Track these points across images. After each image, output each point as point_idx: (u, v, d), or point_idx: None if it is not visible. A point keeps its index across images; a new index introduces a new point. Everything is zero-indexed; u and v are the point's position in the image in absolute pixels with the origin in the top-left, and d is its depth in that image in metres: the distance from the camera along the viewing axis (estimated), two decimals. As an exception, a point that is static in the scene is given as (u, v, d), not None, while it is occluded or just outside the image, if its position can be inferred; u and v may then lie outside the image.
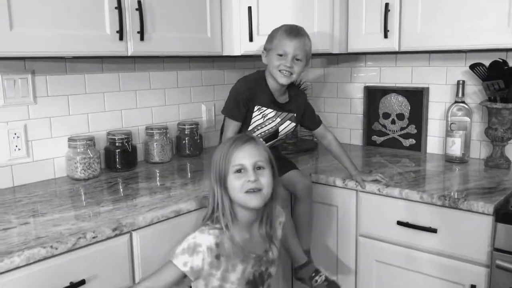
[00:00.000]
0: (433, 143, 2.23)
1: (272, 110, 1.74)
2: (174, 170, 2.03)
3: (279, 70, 1.66)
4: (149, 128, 2.11)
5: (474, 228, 1.53)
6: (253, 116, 1.74)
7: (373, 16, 2.00)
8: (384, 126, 2.36)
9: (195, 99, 2.39)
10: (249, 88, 1.72)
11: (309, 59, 1.74)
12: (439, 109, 2.19)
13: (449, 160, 2.04)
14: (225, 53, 2.06)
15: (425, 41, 1.88)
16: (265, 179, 1.31)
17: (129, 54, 1.71)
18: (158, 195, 1.63)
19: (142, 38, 1.72)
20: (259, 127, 1.76)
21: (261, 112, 1.74)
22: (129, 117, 2.11)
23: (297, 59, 1.66)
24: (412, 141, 2.28)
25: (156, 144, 2.09)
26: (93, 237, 1.29)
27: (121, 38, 1.66)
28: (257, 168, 1.31)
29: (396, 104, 2.30)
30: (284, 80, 1.67)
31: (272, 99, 1.74)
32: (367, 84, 2.40)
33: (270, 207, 1.38)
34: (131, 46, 1.71)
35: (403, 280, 1.72)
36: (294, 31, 1.66)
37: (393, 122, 2.32)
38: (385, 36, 1.96)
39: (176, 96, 2.30)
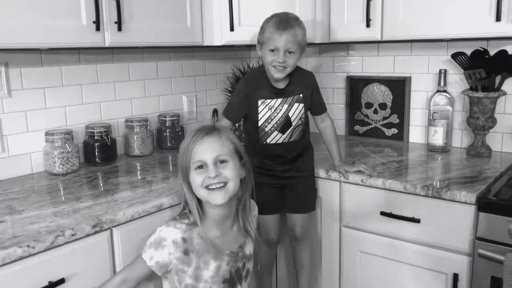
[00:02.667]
0: (416, 133, 2.23)
1: (276, 99, 1.69)
2: (155, 163, 2.00)
3: (273, 66, 1.62)
4: (129, 120, 2.07)
5: (456, 218, 1.53)
6: (259, 111, 1.70)
7: (356, 4, 1.98)
8: (366, 116, 2.35)
9: (176, 90, 2.35)
10: (247, 84, 1.70)
11: (305, 47, 1.68)
12: (421, 99, 2.19)
13: (432, 149, 2.05)
14: (206, 43, 2.02)
15: (407, 30, 1.87)
16: (229, 172, 1.27)
17: (106, 45, 1.66)
18: (139, 189, 1.60)
19: (119, 29, 1.67)
20: (269, 120, 1.70)
21: (266, 105, 1.69)
22: (108, 109, 2.07)
23: (290, 52, 1.61)
24: (394, 130, 2.28)
25: (136, 137, 2.05)
26: (72, 235, 1.25)
27: (97, 29, 1.61)
28: (219, 162, 1.27)
29: (379, 93, 2.30)
30: (278, 75, 1.63)
31: (272, 89, 1.69)
32: (350, 74, 2.39)
33: (243, 200, 1.36)
34: (109, 37, 1.66)
35: (387, 270, 1.72)
36: (284, 23, 1.59)
37: (375, 111, 2.32)
38: (367, 25, 1.95)
39: (156, 88, 2.26)
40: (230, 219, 1.36)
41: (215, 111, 2.43)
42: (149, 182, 1.70)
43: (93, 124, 1.96)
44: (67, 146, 1.80)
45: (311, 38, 2.04)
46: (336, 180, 1.79)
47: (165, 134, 2.19)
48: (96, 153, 1.91)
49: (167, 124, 2.19)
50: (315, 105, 1.77)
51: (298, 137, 1.75)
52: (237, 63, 2.58)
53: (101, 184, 1.68)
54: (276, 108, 1.69)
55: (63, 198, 1.54)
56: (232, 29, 1.94)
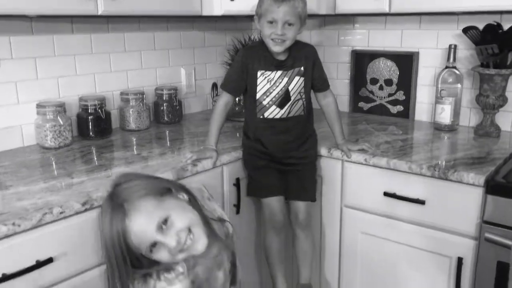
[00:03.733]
0: (422, 110, 2.15)
1: (276, 71, 1.61)
2: (152, 138, 1.93)
3: (271, 39, 1.54)
4: (125, 93, 1.99)
5: (463, 200, 1.47)
6: (258, 83, 1.63)
7: (363, -26, 1.88)
8: (371, 92, 2.27)
9: (173, 63, 2.26)
10: (246, 55, 1.63)
11: (305, 19, 1.59)
12: (429, 75, 2.11)
13: (438, 128, 1.98)
14: (205, 13, 1.93)
15: (417, 2, 1.77)
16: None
17: (99, 13, 1.57)
18: (134, 165, 1.54)
19: (112, -5, 1.58)
20: (267, 93, 1.63)
21: (265, 77, 1.62)
22: (103, 81, 1.99)
23: (289, 24, 1.53)
24: (400, 108, 2.20)
25: (132, 111, 1.98)
26: (61, 213, 1.19)
27: (89, -5, 1.52)
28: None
29: (385, 69, 2.21)
30: (277, 49, 1.55)
31: (273, 60, 1.61)
32: (355, 48, 2.30)
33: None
34: (101, 5, 1.57)
35: (388, 252, 1.67)
36: None
37: (381, 88, 2.24)
38: (375, -4, 1.85)
39: (153, 59, 2.17)
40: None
41: (214, 85, 2.35)
42: (145, 158, 1.63)
43: (87, 96, 1.89)
44: (60, 119, 1.72)
45: (315, 10, 1.95)
46: (338, 159, 1.72)
47: (162, 108, 2.12)
48: (90, 127, 1.84)
49: (164, 98, 2.11)
50: (317, 80, 1.69)
51: (297, 113, 1.68)
52: (238, 35, 2.48)
53: (95, 159, 1.62)
54: (276, 81, 1.62)
55: (54, 173, 1.48)
56: (232, -2, 1.85)
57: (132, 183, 1.12)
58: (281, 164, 1.69)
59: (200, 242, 1.14)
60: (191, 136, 1.97)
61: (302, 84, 1.65)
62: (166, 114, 2.12)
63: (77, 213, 1.23)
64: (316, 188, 1.74)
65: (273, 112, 1.64)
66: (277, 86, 1.62)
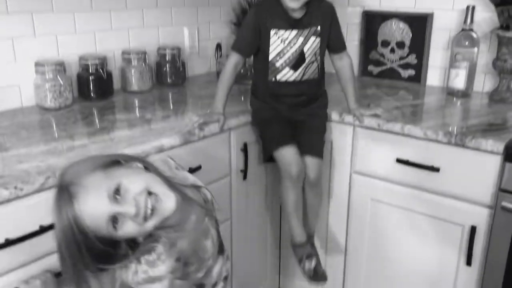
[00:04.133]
0: (434, 75, 2.08)
1: (291, 30, 1.52)
2: (155, 100, 1.86)
3: None
4: (126, 52, 1.90)
5: (480, 168, 1.42)
6: (271, 43, 1.54)
7: None
8: (382, 55, 2.19)
9: (176, 22, 2.16)
10: (258, 12, 1.53)
11: None
12: (443, 38, 2.02)
13: (451, 93, 1.91)
14: (211, -32, 1.82)
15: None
16: None
17: (100, -35, 1.48)
18: (138, 128, 1.48)
19: None
20: (281, 54, 1.55)
21: (279, 37, 1.53)
22: (103, 40, 1.89)
23: None
24: (411, 72, 2.12)
25: (134, 71, 1.89)
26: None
27: None
28: None
29: (397, 31, 2.12)
30: (293, 4, 1.44)
31: (288, 18, 1.51)
32: (366, 9, 2.20)
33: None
34: (102, -45, 1.47)
35: (398, 219, 1.64)
36: None
37: (392, 51, 2.15)
38: (392, -48, 1.75)
39: (155, 17, 2.07)
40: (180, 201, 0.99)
41: (218, 46, 2.26)
42: (148, 120, 1.57)
43: (87, 55, 1.80)
44: (59, 79, 1.65)
45: (328, -34, 1.84)
46: (350, 124, 1.66)
47: (164, 69, 2.03)
48: (91, 87, 1.76)
49: (167, 58, 2.03)
50: (334, 40, 1.60)
51: (311, 76, 1.61)
52: (244, -6, 2.37)
53: (97, 121, 1.56)
54: (291, 41, 1.53)
55: (55, 135, 1.42)
56: (240, -48, 1.74)
57: (75, 165, 0.95)
58: (290, 119, 1.63)
59: (168, 200, 0.93)
60: (195, 98, 1.90)
61: (318, 45, 1.57)
62: (169, 75, 2.04)
63: (81, 177, 1.18)
64: (323, 147, 1.66)
65: (286, 75, 1.57)
66: (292, 47, 1.54)
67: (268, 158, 1.64)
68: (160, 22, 2.09)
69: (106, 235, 0.89)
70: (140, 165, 0.97)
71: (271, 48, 1.54)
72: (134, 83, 1.90)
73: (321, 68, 1.62)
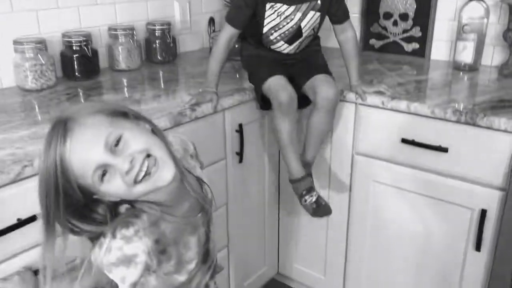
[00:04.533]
0: (439, 48, 1.97)
1: (288, 5, 1.42)
2: (144, 79, 1.75)
3: None
4: (113, 28, 1.78)
5: (491, 148, 1.33)
6: (265, 16, 1.43)
7: None
8: (384, 28, 2.07)
9: (166, -6, 2.04)
10: None
11: None
12: (449, 8, 1.90)
13: (458, 67, 1.80)
14: None
15: None
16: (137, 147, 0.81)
17: None
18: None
19: None
20: (276, 28, 1.45)
21: (275, 10, 1.42)
22: (88, 15, 1.77)
23: None
24: (415, 45, 2.01)
25: (121, 48, 1.78)
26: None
27: None
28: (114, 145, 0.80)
29: (400, 2, 2.00)
30: None
31: None
32: (367, -22, 2.07)
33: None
34: None
35: (403, 202, 1.55)
36: None
37: (395, 23, 2.04)
38: None
39: (144, -10, 1.94)
40: (178, 182, 0.89)
41: (211, 20, 2.15)
42: (137, 101, 1.47)
43: (70, 32, 1.68)
44: (40, 58, 1.54)
45: None
46: (352, 102, 1.56)
47: (154, 45, 1.92)
48: (76, 66, 1.65)
49: (156, 34, 1.91)
50: (336, 10, 1.49)
51: (306, 45, 1.53)
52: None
53: (82, 102, 1.45)
54: (287, 16, 1.43)
55: (37, 118, 1.32)
56: None
57: (80, 104, 0.80)
58: (284, 60, 1.55)
59: (165, 169, 0.81)
60: (187, 77, 1.79)
61: (318, 20, 1.47)
62: (159, 53, 1.93)
63: (61, 165, 1.08)
64: (331, 73, 1.54)
65: (280, 47, 1.50)
66: (288, 22, 1.44)
67: (263, 104, 1.53)
68: (148, -5, 1.97)
69: (89, 186, 0.79)
70: (148, 126, 0.87)
71: (265, 21, 1.45)
72: (122, 61, 1.79)
73: (316, 36, 1.56)
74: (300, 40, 1.49)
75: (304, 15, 1.44)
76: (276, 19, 1.43)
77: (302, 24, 1.46)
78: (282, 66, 1.53)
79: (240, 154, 1.59)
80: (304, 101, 1.54)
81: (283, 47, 1.50)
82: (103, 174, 0.78)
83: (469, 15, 1.74)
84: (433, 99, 1.47)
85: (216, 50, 1.47)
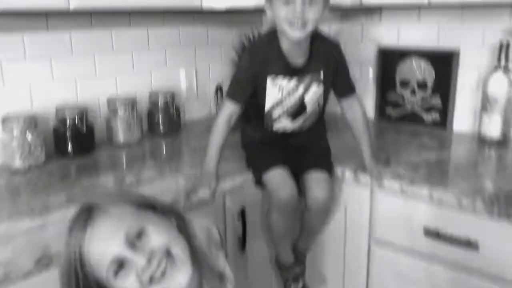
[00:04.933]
0: (462, 120, 1.82)
1: (289, 79, 1.32)
2: (145, 154, 1.65)
3: (288, 22, 1.23)
4: (112, 101, 1.69)
5: (530, 245, 1.15)
6: (267, 92, 1.33)
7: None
8: (401, 96, 1.94)
9: (171, 63, 1.95)
10: (254, 57, 1.33)
11: (328, 1, 1.28)
12: (472, 77, 1.77)
13: (484, 142, 1.65)
14: (205, 7, 1.61)
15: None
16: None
17: (71, 9, 1.27)
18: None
19: (88, -14, 1.28)
20: (278, 105, 1.35)
21: (277, 85, 1.33)
22: (86, 87, 1.69)
23: (310, 2, 1.21)
24: (435, 116, 1.87)
25: (120, 122, 1.68)
26: (5, 275, 0.90)
27: (57, -15, 1.22)
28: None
29: (418, 70, 1.87)
30: (297, 34, 1.23)
31: (287, 64, 1.31)
32: (382, 45, 1.96)
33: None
34: (74, -3, 1.27)
35: (428, 300, 1.36)
36: None
37: (413, 92, 1.90)
38: (411, -15, 1.52)
39: (148, 60, 1.86)
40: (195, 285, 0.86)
41: (219, 88, 2.05)
42: (132, 183, 1.34)
43: (65, 106, 1.59)
44: (29, 136, 1.44)
45: (338, 0, 1.62)
46: (367, 185, 1.40)
47: (157, 117, 1.81)
48: (69, 143, 1.55)
49: (159, 105, 1.81)
50: (339, 83, 1.40)
51: (311, 121, 1.42)
52: (247, 30, 2.16)
53: (65, 188, 1.31)
54: (290, 90, 1.33)
55: (8, 209, 1.19)
56: (237, -13, 1.53)
57: (111, 191, 0.91)
58: (285, 144, 1.44)
59: (182, 271, 0.80)
60: (191, 151, 1.68)
61: (322, 93, 1.37)
62: (162, 125, 1.82)
63: (28, 272, 0.94)
64: (332, 167, 1.42)
65: (284, 126, 1.40)
66: (290, 97, 1.34)
67: (259, 181, 1.40)
68: (152, 65, 1.88)
69: (103, 279, 0.78)
70: (174, 222, 0.87)
71: (267, 98, 1.34)
72: (121, 135, 1.68)
73: (323, 110, 1.44)
74: (305, 115, 1.39)
75: (307, 88, 1.35)
76: (278, 94, 1.34)
77: (306, 98, 1.36)
78: (284, 152, 1.42)
79: (242, 240, 1.43)
80: None
81: (287, 125, 1.39)
82: (119, 269, 0.77)
83: (494, 86, 1.60)
84: (458, 183, 1.30)
85: (215, 128, 1.36)
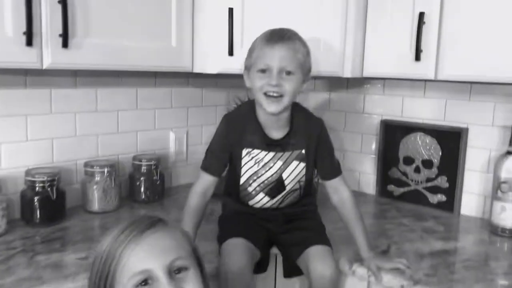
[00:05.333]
0: (471, 203, 1.67)
1: (266, 152, 1.24)
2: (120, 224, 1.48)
3: (264, 94, 1.16)
4: (89, 165, 1.56)
5: None
6: (242, 164, 1.25)
7: (401, 29, 1.46)
8: (405, 174, 1.80)
9: (161, 125, 1.84)
10: (229, 127, 1.26)
11: (308, 71, 1.22)
12: (481, 158, 1.63)
13: (495, 232, 1.49)
14: (196, 70, 1.52)
15: (476, 68, 1.33)
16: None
17: (44, 67, 1.17)
18: (79, 280, 1.08)
19: (65, 45, 1.17)
20: (254, 177, 1.26)
21: (252, 157, 1.24)
22: (64, 148, 1.56)
23: (288, 73, 1.15)
24: (442, 197, 1.72)
25: (96, 188, 1.54)
26: None
27: (29, 43, 1.11)
28: (175, 271, 0.78)
29: (423, 146, 1.75)
30: (273, 108, 1.17)
31: (263, 137, 1.24)
32: (385, 117, 1.85)
33: None
34: (48, 56, 1.17)
35: None
36: (277, 34, 1.17)
37: (417, 170, 1.77)
38: (417, 58, 1.42)
39: (134, 121, 1.75)
40: None
41: (210, 153, 1.92)
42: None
43: (36, 169, 1.46)
44: (-11, 202, 1.29)
45: (338, 71, 1.53)
46: (364, 279, 1.24)
47: (138, 183, 1.68)
48: (37, 210, 1.40)
49: (142, 170, 1.68)
50: (323, 164, 1.29)
51: (293, 201, 1.32)
52: (242, 93, 2.06)
53: (21, 266, 1.15)
54: (266, 163, 1.24)
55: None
56: (231, 52, 1.44)
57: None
58: (267, 221, 1.31)
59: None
60: (171, 223, 1.51)
61: (303, 172, 1.27)
62: (144, 191, 1.68)
63: None
64: (329, 243, 1.26)
65: (260, 201, 1.30)
66: (267, 170, 1.25)
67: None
68: (139, 126, 1.77)
69: (117, 283, 0.75)
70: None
71: (243, 169, 1.26)
72: (95, 203, 1.54)
73: (307, 187, 1.33)
74: (283, 193, 1.29)
75: (286, 164, 1.25)
76: (253, 167, 1.25)
77: (284, 175, 1.26)
78: (260, 227, 1.29)
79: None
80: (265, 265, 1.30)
81: (264, 201, 1.29)
82: (142, 284, 0.75)
83: (507, 171, 1.46)
84: (468, 283, 1.13)
85: (189, 204, 1.25)
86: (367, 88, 1.89)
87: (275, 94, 1.16)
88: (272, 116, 1.21)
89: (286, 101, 1.17)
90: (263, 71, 1.16)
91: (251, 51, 1.20)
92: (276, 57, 1.14)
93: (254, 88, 1.20)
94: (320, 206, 1.43)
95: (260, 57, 1.16)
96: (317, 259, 1.19)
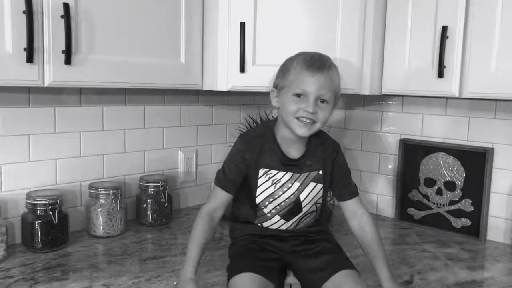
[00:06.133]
0: (497, 228, 1.57)
1: (284, 172, 1.20)
2: (126, 251, 1.40)
3: (297, 118, 1.14)
4: (93, 187, 1.48)
5: None
6: (258, 184, 1.20)
7: (422, 44, 1.39)
8: (426, 196, 1.70)
9: (169, 144, 1.77)
10: (246, 146, 1.21)
11: (338, 100, 1.21)
12: (507, 180, 1.54)
13: (526, 260, 1.39)
14: (206, 87, 1.46)
15: (504, 84, 1.25)
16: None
17: (46, 84, 1.11)
18: None
19: (68, 61, 1.11)
20: (270, 199, 1.21)
21: (269, 178, 1.20)
22: (68, 169, 1.50)
23: (322, 101, 1.15)
24: (466, 221, 1.62)
25: (100, 211, 1.46)
26: None
27: (30, 60, 1.06)
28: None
29: (445, 168, 1.65)
30: (304, 131, 1.16)
31: (281, 157, 1.20)
32: (404, 137, 1.76)
33: None
34: (50, 73, 1.11)
35: None
36: (318, 62, 1.15)
37: (439, 192, 1.67)
38: (440, 75, 1.34)
39: (142, 140, 1.69)
40: None
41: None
42: (99, 294, 1.10)
43: (38, 191, 1.39)
44: (-12, 226, 1.23)
45: (356, 88, 1.45)
46: (386, 314, 1.14)
47: (145, 205, 1.60)
48: (38, 235, 1.33)
49: (149, 192, 1.60)
50: (338, 185, 1.25)
51: (309, 223, 1.29)
52: (254, 111, 1.99)
53: (23, 293, 1.09)
54: (284, 184, 1.20)
55: None
56: (242, 69, 1.37)
57: None
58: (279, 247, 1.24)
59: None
60: (177, 250, 1.43)
61: (321, 193, 1.23)
62: (150, 214, 1.60)
63: None
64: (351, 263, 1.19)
65: (275, 224, 1.24)
66: (284, 191, 1.20)
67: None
68: (147, 145, 1.70)
69: None
70: None
71: (258, 190, 1.20)
72: (99, 227, 1.47)
73: (321, 208, 1.28)
74: (300, 215, 1.23)
75: (303, 186, 1.21)
76: (270, 188, 1.20)
77: (302, 197, 1.22)
78: (272, 253, 1.23)
79: None
80: None
81: (280, 223, 1.24)
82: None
83: (537, 195, 1.37)
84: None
85: (198, 223, 1.17)
86: (384, 105, 1.80)
87: (308, 121, 1.14)
88: (293, 136, 1.18)
89: (317, 127, 1.17)
90: (298, 95, 1.14)
91: (285, 72, 1.17)
92: (316, 85, 1.13)
93: (285, 110, 1.17)
94: (335, 231, 1.35)
95: (298, 82, 1.14)
96: (348, 286, 1.10)
